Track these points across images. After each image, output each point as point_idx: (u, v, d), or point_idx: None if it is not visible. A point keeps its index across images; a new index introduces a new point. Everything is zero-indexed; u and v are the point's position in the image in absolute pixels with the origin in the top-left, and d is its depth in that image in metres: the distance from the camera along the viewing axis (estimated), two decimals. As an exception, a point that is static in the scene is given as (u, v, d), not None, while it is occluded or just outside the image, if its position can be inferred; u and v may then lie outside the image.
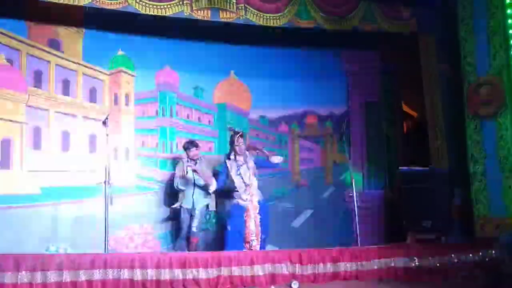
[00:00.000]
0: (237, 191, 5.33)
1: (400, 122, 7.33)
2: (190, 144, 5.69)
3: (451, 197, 5.99)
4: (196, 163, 5.60)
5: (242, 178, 5.33)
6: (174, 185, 5.67)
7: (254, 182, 5.39)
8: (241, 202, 5.30)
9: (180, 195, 5.64)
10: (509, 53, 5.64)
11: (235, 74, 6.69)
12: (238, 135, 5.39)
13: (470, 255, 5.03)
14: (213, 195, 5.62)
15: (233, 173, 5.36)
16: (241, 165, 5.37)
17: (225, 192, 5.52)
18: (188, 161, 5.61)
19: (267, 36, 6.20)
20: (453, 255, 4.99)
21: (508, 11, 5.65)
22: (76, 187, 5.73)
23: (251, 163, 5.42)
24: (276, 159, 5.45)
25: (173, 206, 5.71)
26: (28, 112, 5.63)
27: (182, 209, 5.63)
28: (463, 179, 6.01)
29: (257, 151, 5.47)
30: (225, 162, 5.47)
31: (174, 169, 5.87)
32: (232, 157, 5.41)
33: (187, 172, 5.58)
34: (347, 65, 7.05)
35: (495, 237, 5.28)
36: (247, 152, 5.46)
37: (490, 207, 5.76)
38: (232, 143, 5.44)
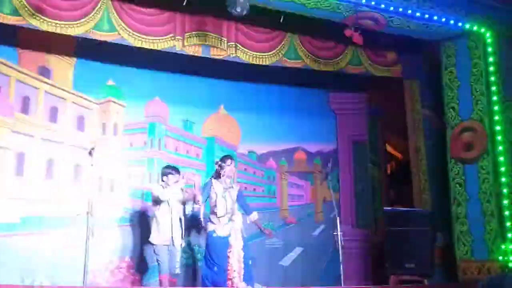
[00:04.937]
0: (214, 218, 5.11)
1: (385, 163, 7.45)
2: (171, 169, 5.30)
3: (434, 239, 6.02)
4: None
5: (226, 204, 5.14)
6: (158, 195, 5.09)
7: (239, 217, 5.32)
8: (218, 232, 5.09)
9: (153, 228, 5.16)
10: (490, 100, 5.90)
11: (225, 109, 6.73)
12: (225, 167, 5.20)
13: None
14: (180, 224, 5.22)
15: (218, 194, 5.14)
16: (227, 189, 5.22)
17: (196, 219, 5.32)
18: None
19: (258, 72, 6.31)
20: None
21: (490, 59, 5.94)
22: (57, 218, 5.53)
23: (234, 195, 5.27)
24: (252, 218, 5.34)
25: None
26: (13, 138, 5.48)
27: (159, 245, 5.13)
28: (445, 221, 6.10)
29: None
30: (210, 181, 5.25)
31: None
32: (219, 178, 5.19)
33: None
34: (335, 105, 7.21)
35: (477, 280, 5.31)
36: (234, 184, 5.35)
37: (472, 250, 5.83)
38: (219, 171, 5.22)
